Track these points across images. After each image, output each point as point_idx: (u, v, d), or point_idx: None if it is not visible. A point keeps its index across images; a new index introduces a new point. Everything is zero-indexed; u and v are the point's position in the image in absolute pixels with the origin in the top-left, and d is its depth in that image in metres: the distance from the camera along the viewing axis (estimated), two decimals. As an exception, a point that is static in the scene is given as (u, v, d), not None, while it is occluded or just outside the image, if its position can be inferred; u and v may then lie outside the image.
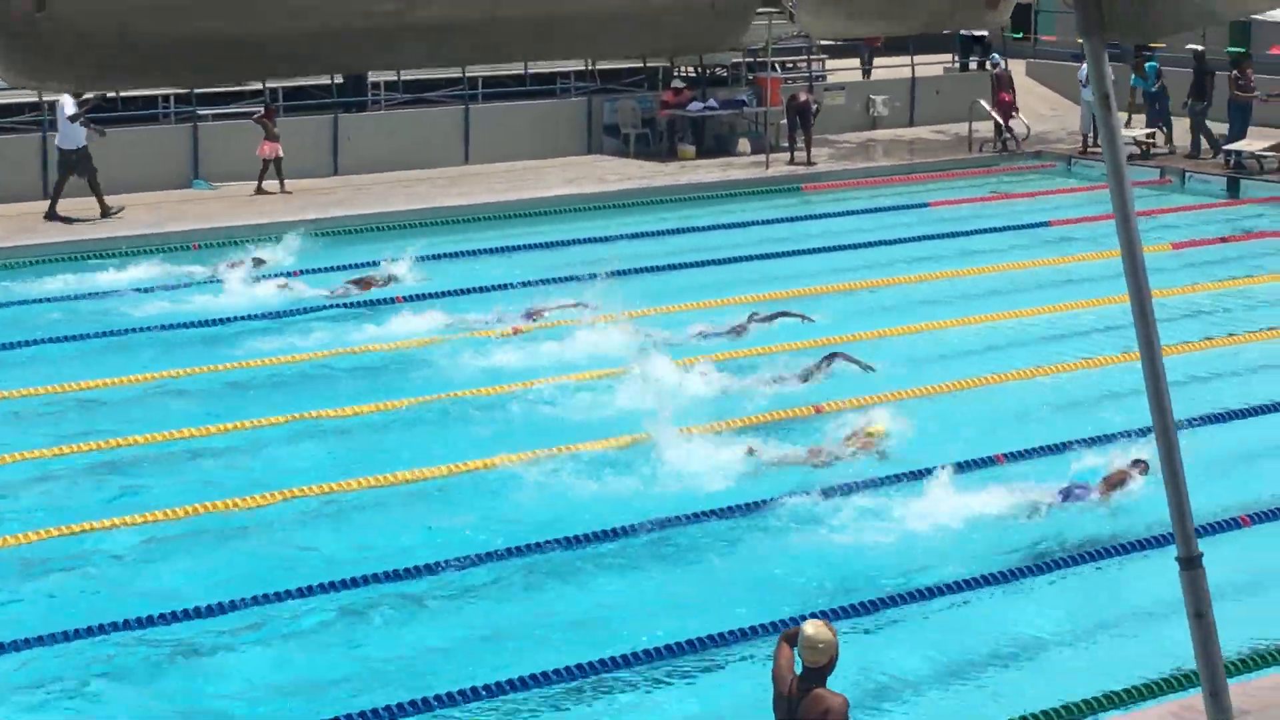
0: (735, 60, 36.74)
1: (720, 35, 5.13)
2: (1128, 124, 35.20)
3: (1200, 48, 34.96)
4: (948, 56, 40.79)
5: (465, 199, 30.19)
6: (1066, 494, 16.12)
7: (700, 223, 28.95)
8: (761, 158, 33.86)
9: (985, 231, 28.25)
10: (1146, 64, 35.64)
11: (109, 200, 28.15)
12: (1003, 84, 35.88)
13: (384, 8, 4.75)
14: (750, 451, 17.20)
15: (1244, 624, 13.37)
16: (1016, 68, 38.91)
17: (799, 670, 9.69)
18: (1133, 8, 5.63)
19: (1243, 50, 35.84)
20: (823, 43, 41.01)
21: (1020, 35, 40.33)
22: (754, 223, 28.82)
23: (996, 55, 36.94)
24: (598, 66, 35.20)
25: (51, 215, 27.99)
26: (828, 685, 9.70)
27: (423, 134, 33.16)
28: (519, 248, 26.82)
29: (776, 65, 36.47)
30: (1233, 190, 32.63)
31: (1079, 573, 14.83)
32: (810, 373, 19.79)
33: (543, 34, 5.05)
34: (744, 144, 34.97)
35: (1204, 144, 34.56)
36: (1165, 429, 5.81)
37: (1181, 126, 35.15)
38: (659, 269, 25.45)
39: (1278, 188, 32.12)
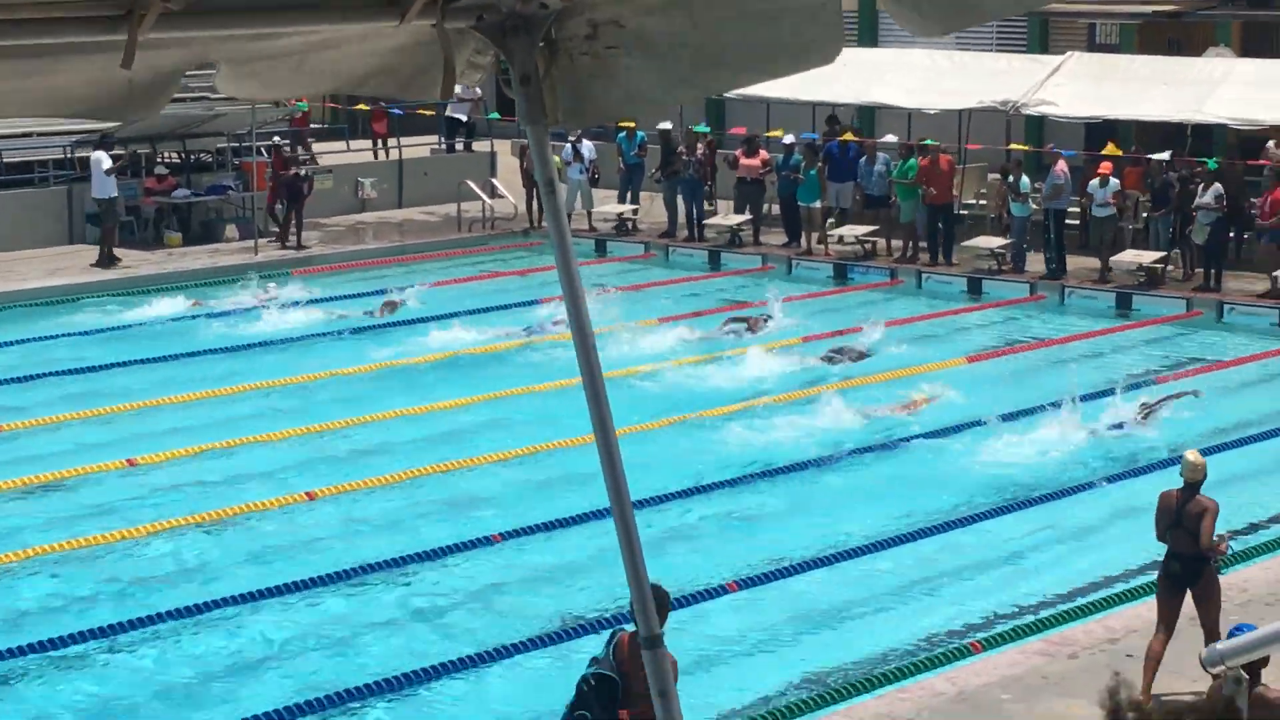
0: (220, 145, 36.26)
1: (136, 108, 5.11)
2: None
3: (669, 126, 35.76)
4: (434, 138, 41.02)
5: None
6: None
7: (182, 313, 28.43)
8: (250, 243, 33.40)
9: (478, 311, 28.37)
10: (636, 133, 36.21)
11: None
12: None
13: None
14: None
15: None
16: (502, 148, 39.38)
17: (1177, 489, 13.52)
18: (570, 99, 5.75)
19: (706, 130, 36.66)
20: (312, 126, 40.89)
21: (498, 116, 40.65)
22: (246, 309, 28.46)
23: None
24: (77, 155, 34.22)
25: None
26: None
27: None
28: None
29: (262, 149, 36.05)
30: (714, 263, 33.66)
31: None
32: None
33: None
34: (231, 230, 34.39)
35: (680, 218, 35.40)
36: (622, 512, 5.89)
37: (656, 200, 36.01)
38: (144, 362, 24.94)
39: (755, 260, 33.30)
